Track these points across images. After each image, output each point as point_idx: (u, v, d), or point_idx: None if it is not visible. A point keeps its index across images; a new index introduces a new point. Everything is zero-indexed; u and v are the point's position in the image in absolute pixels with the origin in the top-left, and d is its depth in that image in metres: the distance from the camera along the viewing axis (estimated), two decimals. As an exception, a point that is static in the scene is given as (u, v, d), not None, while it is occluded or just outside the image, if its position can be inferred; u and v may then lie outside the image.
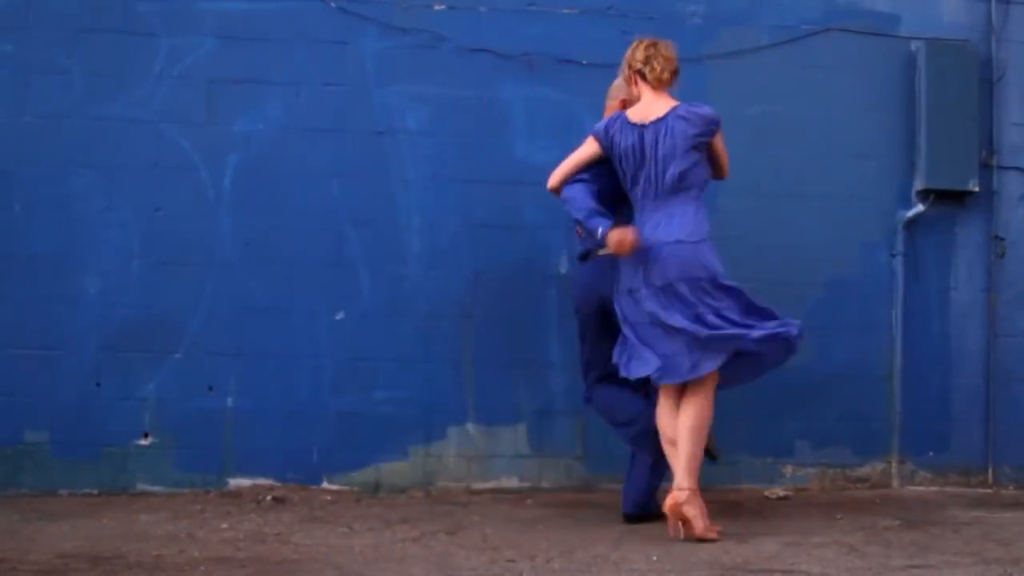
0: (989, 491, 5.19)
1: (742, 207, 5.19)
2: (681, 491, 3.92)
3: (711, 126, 4.11)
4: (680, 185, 4.06)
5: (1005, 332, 5.33)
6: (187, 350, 4.84)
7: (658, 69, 4.16)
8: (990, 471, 5.28)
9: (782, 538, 3.99)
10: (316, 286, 4.92)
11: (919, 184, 5.29)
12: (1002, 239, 5.36)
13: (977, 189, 5.29)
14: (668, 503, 3.93)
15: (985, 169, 5.34)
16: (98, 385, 4.79)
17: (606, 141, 4.20)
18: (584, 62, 5.08)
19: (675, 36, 5.12)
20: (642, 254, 4.03)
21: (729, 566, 3.53)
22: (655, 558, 3.64)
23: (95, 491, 4.74)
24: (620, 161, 4.16)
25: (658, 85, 4.17)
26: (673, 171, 4.04)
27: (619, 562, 3.58)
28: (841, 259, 5.26)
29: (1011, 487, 5.24)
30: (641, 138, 4.10)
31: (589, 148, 4.26)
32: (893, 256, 5.28)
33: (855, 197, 5.28)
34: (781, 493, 5.00)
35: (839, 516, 4.48)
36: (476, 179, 4.99)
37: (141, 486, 4.77)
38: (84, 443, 4.76)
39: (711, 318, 3.99)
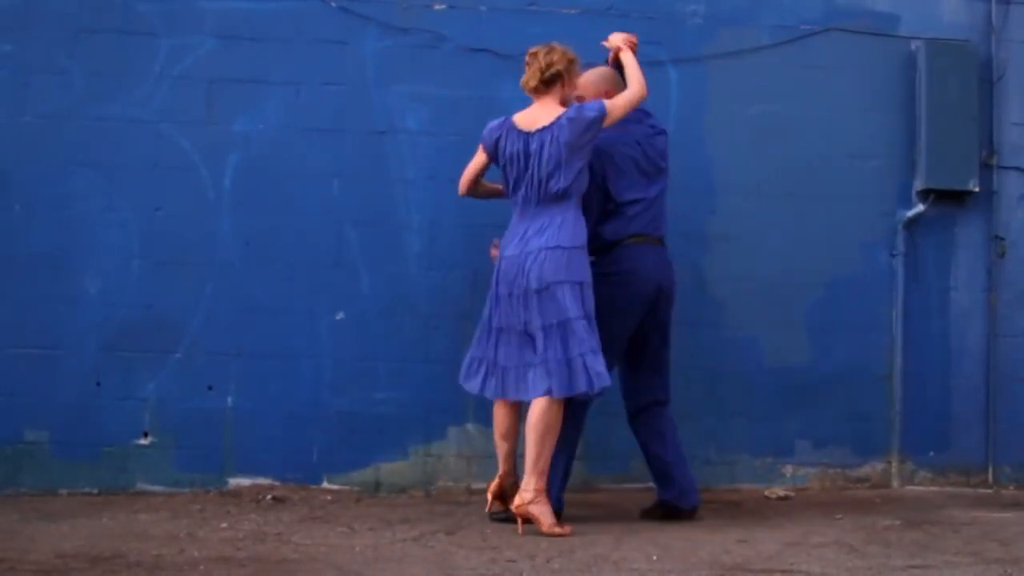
0: (989, 491, 5.18)
1: (742, 207, 5.19)
2: (527, 492, 4.05)
3: (599, 122, 4.15)
4: (562, 194, 4.12)
5: (1005, 332, 5.33)
6: (187, 350, 4.84)
7: (525, 78, 4.25)
8: (990, 471, 5.28)
9: (782, 538, 3.99)
10: (316, 286, 4.92)
11: (919, 184, 5.29)
12: (1002, 239, 5.36)
13: (977, 189, 5.29)
14: (515, 503, 4.07)
15: (985, 169, 5.34)
16: (98, 385, 4.79)
17: (491, 148, 4.27)
18: (584, 62, 5.07)
19: (675, 36, 5.19)
20: (522, 258, 4.12)
21: (729, 566, 3.53)
22: (655, 558, 3.64)
23: (95, 491, 4.74)
24: (505, 167, 4.23)
25: (531, 94, 4.24)
26: (555, 184, 4.11)
27: (619, 562, 3.58)
28: (841, 259, 5.25)
29: (1011, 487, 5.24)
30: (527, 145, 4.16)
31: (478, 157, 4.36)
32: (893, 256, 5.28)
33: (855, 197, 5.28)
34: (781, 493, 5.00)
35: (839, 516, 4.48)
36: (476, 179, 4.99)
37: (141, 486, 4.77)
38: (84, 443, 4.76)
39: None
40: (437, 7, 5.07)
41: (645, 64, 5.12)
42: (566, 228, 4.10)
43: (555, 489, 4.22)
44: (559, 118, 4.13)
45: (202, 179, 4.90)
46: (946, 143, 5.26)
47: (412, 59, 5.02)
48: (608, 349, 4.16)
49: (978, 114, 5.31)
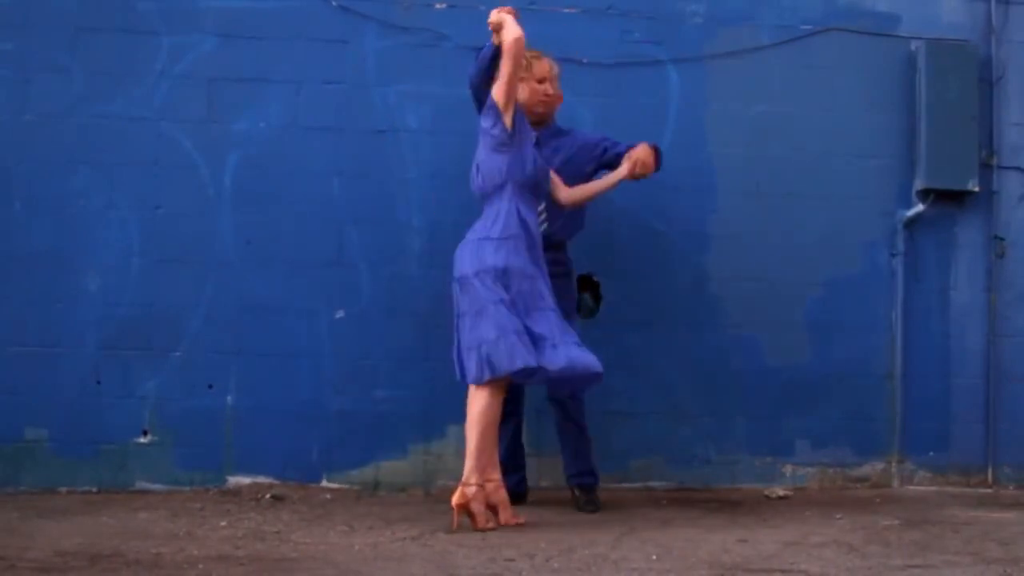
0: (989, 491, 5.19)
1: (742, 207, 5.19)
2: (468, 487, 4.06)
3: None
4: None
5: (1005, 332, 5.33)
6: (187, 348, 4.84)
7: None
8: (990, 471, 5.28)
9: (782, 538, 3.99)
10: (316, 285, 4.92)
11: (919, 184, 5.29)
12: (1002, 239, 5.36)
13: (977, 189, 5.30)
14: (456, 499, 4.05)
15: (985, 169, 5.35)
16: (98, 383, 4.79)
17: None
18: (584, 62, 5.08)
19: (675, 36, 5.19)
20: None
21: (729, 566, 3.53)
22: (655, 558, 3.64)
23: (94, 489, 4.74)
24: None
25: None
26: None
27: (619, 561, 3.58)
28: (841, 259, 5.26)
29: (1011, 487, 5.24)
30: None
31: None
32: (893, 256, 5.28)
33: (855, 197, 5.28)
34: (781, 493, 5.00)
35: (839, 516, 4.48)
36: (476, 178, 4.98)
37: (140, 484, 4.77)
38: (84, 441, 4.76)
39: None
40: (438, 6, 5.07)
41: (645, 64, 5.17)
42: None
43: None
44: None
45: (202, 178, 4.90)
46: (946, 143, 5.26)
47: (413, 58, 5.03)
48: None
49: (978, 114, 5.31)
